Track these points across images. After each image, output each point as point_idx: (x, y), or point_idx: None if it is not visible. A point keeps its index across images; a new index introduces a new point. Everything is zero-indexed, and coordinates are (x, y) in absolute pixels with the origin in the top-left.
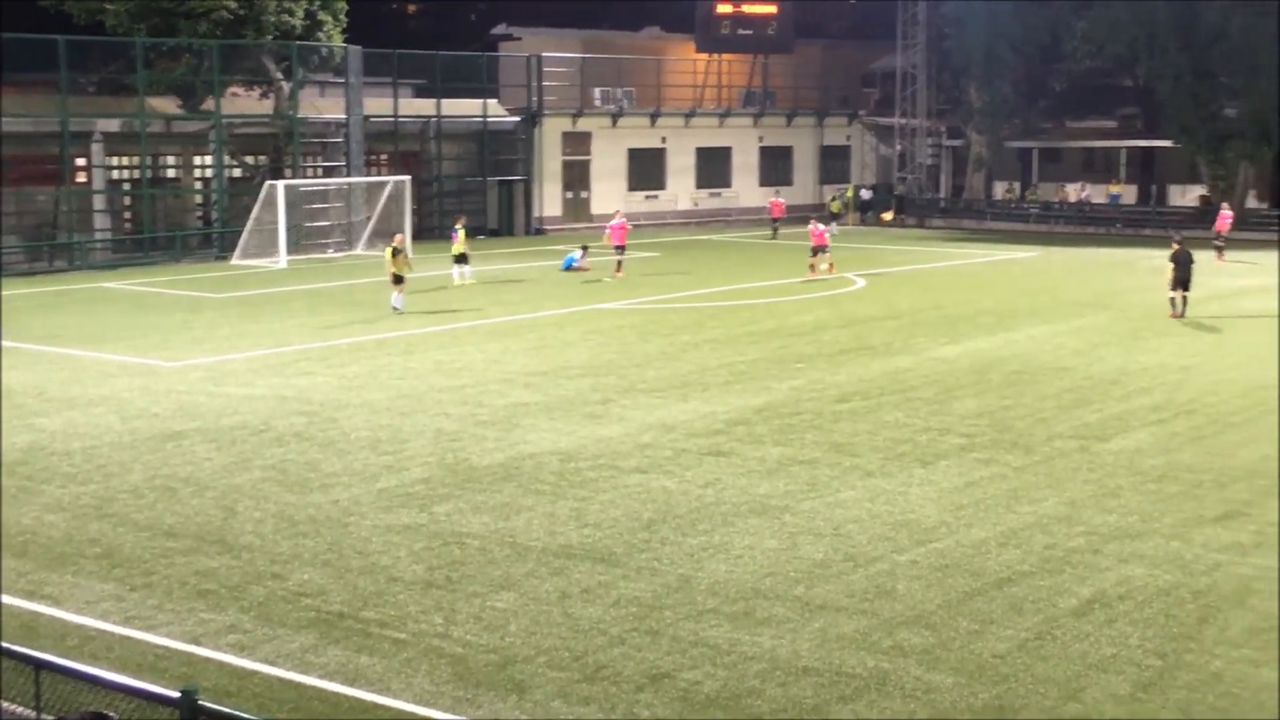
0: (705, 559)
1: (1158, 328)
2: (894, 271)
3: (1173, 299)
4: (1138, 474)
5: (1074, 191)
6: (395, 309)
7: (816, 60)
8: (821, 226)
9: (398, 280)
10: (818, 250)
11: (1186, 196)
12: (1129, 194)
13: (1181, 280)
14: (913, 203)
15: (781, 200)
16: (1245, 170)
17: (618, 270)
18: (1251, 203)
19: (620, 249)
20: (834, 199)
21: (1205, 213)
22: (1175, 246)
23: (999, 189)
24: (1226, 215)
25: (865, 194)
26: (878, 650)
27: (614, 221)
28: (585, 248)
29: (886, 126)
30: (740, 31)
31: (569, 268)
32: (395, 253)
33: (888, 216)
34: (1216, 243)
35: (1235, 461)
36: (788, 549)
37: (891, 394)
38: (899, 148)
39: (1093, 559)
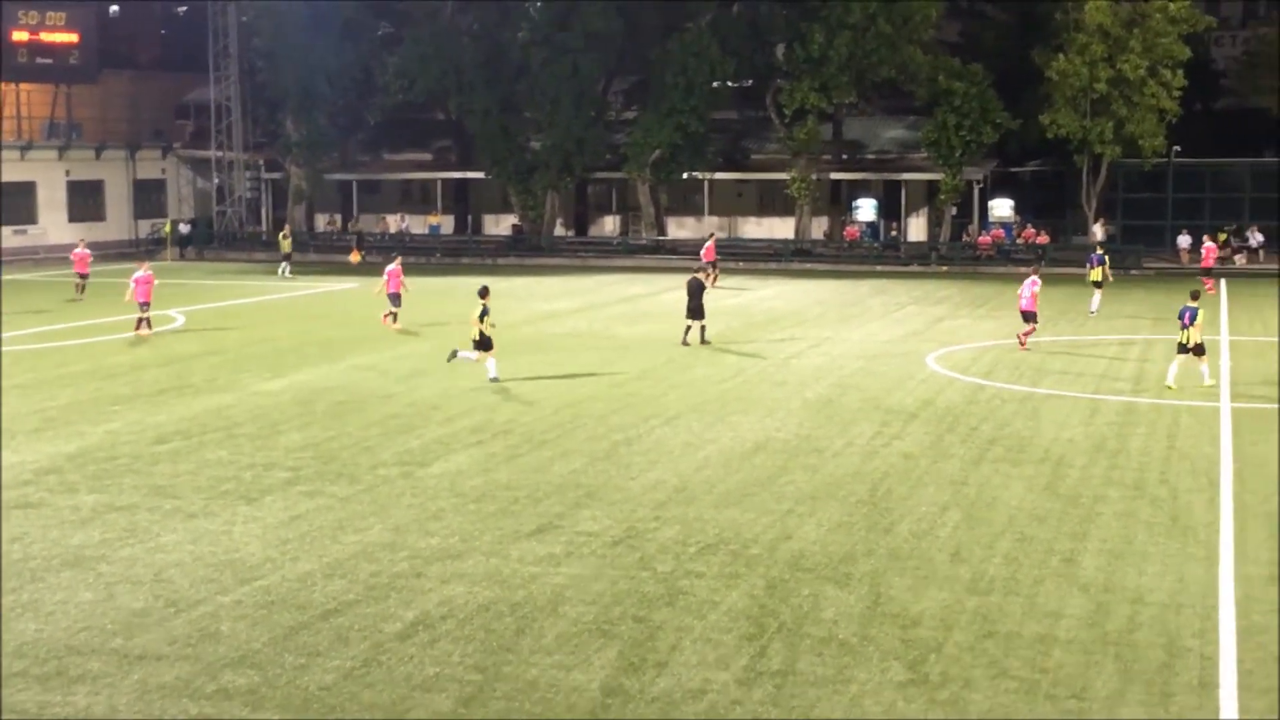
0: (12, 619)
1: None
2: (217, 306)
3: (688, 326)
4: (459, 495)
5: (394, 222)
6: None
7: (126, 91)
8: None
9: (485, 345)
10: (394, 299)
11: (500, 225)
12: (447, 224)
13: (693, 310)
14: (233, 236)
15: (86, 252)
16: (552, 200)
17: (140, 326)
18: (559, 230)
19: (145, 304)
20: (284, 236)
21: (518, 240)
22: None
23: (321, 221)
24: (711, 246)
25: (184, 228)
26: (201, 696)
27: (139, 274)
28: None
29: (203, 159)
30: (39, 60)
31: None
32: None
33: (356, 258)
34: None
35: (548, 477)
36: (104, 600)
37: (214, 432)
38: (217, 181)
39: (416, 582)
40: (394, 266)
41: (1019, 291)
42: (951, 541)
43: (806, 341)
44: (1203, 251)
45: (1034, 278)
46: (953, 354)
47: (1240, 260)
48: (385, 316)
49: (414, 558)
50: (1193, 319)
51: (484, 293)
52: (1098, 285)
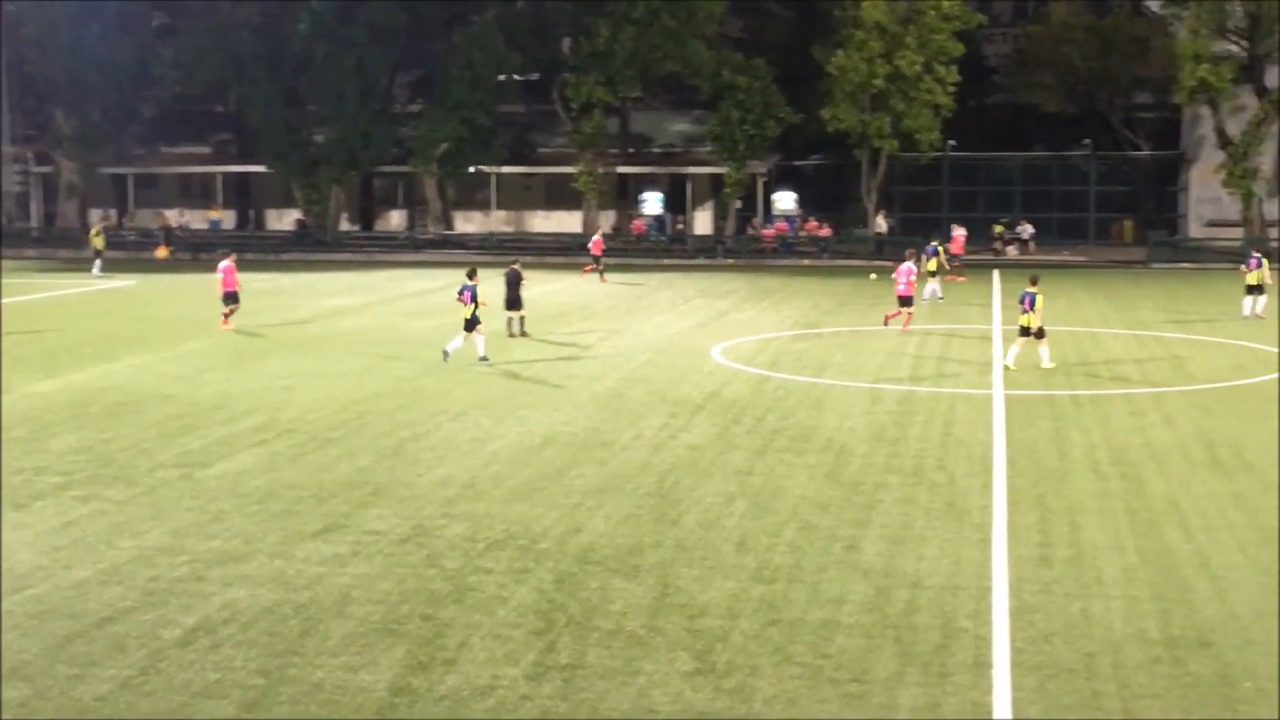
0: None
1: (259, 351)
2: None
3: (509, 318)
4: (241, 496)
5: (173, 217)
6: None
7: None
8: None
9: (473, 325)
10: (230, 298)
11: (284, 220)
12: (228, 219)
13: (510, 300)
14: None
15: None
16: (337, 194)
17: None
18: (345, 225)
19: None
20: (96, 233)
21: (302, 236)
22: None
23: (95, 216)
24: (599, 240)
25: None
26: None
27: None
28: None
29: None
30: None
31: None
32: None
33: (163, 254)
34: (594, 266)
35: (334, 475)
36: None
37: None
38: None
39: (197, 586)
40: (228, 264)
41: (894, 277)
42: (737, 531)
43: (595, 335)
44: (952, 237)
45: (910, 264)
46: (739, 346)
47: (1012, 251)
48: (224, 318)
49: (194, 561)
50: (1032, 304)
51: (472, 274)
52: (933, 275)
